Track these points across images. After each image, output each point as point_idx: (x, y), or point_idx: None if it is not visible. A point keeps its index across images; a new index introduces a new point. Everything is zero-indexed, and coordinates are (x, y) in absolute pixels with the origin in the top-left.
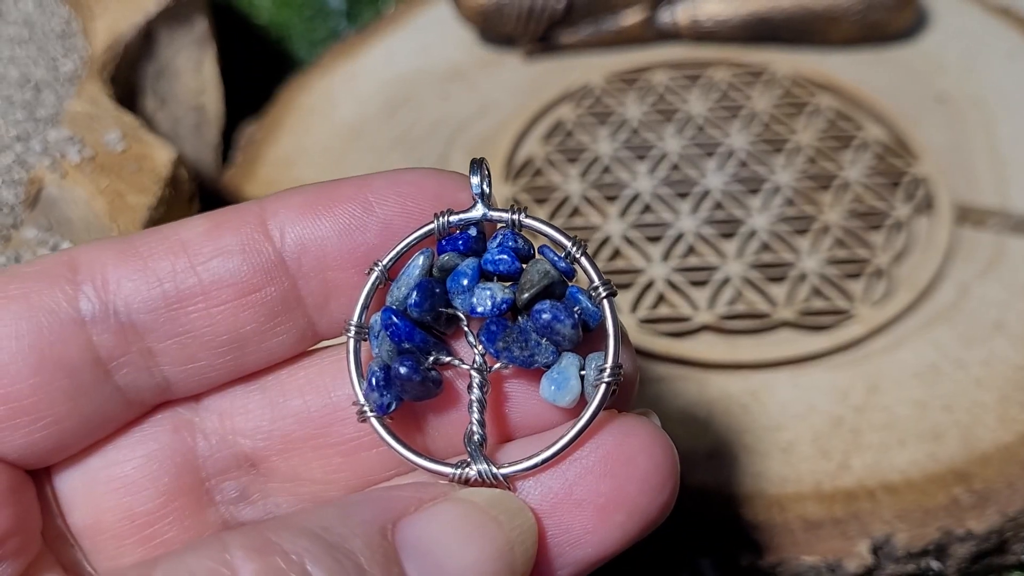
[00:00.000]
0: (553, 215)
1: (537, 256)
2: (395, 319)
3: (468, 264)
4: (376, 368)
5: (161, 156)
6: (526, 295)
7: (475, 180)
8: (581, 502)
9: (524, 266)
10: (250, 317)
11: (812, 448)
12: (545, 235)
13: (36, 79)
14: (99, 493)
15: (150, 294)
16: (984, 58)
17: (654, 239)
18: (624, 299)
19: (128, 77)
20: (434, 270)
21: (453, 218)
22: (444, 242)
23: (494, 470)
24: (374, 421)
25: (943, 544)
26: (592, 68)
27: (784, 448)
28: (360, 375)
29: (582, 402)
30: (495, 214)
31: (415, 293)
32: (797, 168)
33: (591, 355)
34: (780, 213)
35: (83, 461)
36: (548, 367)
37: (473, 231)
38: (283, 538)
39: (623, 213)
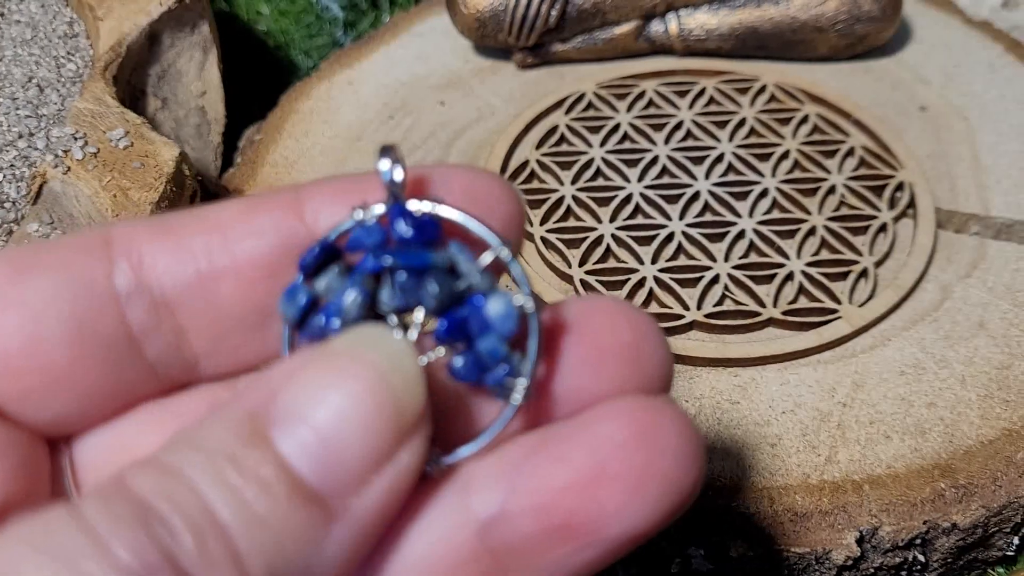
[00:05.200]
0: (547, 217)
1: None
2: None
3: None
4: None
5: (165, 153)
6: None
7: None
8: (615, 476)
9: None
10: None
11: (800, 442)
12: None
13: (39, 78)
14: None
15: (183, 270)
16: (966, 70)
17: (644, 240)
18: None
19: (131, 78)
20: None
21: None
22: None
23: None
24: None
25: (928, 537)
26: (584, 77)
27: (772, 442)
28: None
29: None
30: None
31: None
32: (784, 173)
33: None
34: (767, 216)
35: (109, 430)
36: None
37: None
38: (160, 451)
39: (614, 216)
